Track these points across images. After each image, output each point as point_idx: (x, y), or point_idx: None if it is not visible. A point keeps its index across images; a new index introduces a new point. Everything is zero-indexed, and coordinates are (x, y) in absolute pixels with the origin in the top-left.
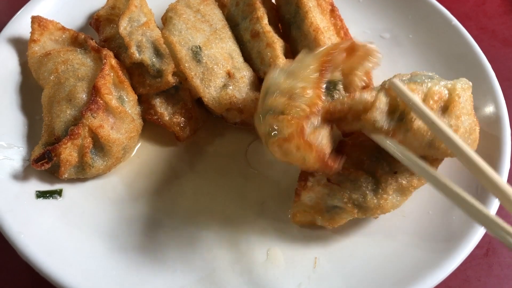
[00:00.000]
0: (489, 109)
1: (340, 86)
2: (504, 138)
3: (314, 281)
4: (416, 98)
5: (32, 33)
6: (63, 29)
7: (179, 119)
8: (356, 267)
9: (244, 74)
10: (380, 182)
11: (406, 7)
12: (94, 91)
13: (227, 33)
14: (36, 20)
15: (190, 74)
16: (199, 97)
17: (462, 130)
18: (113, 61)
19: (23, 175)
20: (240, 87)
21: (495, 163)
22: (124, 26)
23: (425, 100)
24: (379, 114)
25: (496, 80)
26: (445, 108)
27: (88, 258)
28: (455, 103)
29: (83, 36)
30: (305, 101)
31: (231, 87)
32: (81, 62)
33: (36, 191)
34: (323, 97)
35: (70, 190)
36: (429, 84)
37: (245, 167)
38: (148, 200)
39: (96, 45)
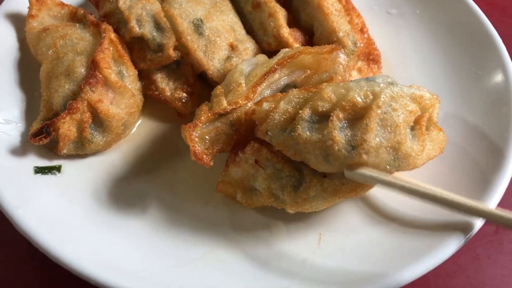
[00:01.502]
0: (499, 82)
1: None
2: None
3: (319, 256)
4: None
5: (30, 8)
6: (61, 4)
7: (181, 95)
8: (361, 244)
9: (247, 46)
10: (305, 181)
11: None
12: (92, 65)
13: (227, 6)
14: None
15: (193, 47)
16: (201, 72)
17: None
18: (112, 35)
19: (21, 150)
20: (244, 59)
21: (505, 136)
22: (123, 0)
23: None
24: (273, 124)
25: (506, 51)
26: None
27: (88, 234)
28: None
29: (82, 11)
30: (232, 97)
31: (235, 59)
32: (80, 36)
33: (35, 167)
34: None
35: (69, 166)
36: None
37: None
38: (149, 176)
39: (95, 19)
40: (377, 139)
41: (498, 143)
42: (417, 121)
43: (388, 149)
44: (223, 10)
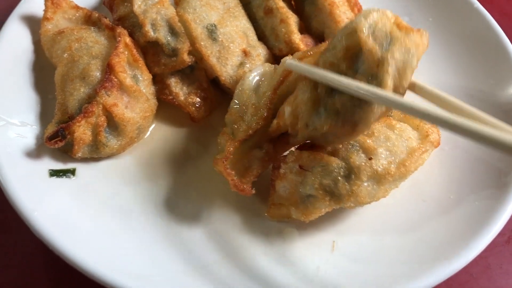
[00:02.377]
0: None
1: None
2: None
3: (332, 264)
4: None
5: (45, 11)
6: (76, 7)
7: (194, 99)
8: (375, 252)
9: (260, 51)
10: (353, 168)
11: None
12: (108, 69)
13: (240, 11)
14: None
15: (206, 53)
16: (214, 78)
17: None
18: (127, 39)
19: (36, 153)
20: (257, 65)
21: None
22: (138, 4)
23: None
24: (306, 117)
25: None
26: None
27: (101, 237)
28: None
29: (96, 14)
30: (247, 123)
31: (248, 65)
32: (95, 40)
33: (50, 170)
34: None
35: (83, 170)
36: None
37: None
38: (162, 181)
39: (110, 23)
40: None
41: None
42: None
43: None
44: (236, 15)
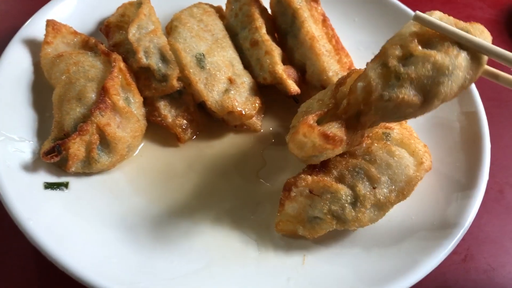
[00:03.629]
0: (472, 129)
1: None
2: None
3: (302, 276)
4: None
5: (46, 35)
6: (75, 33)
7: (182, 122)
8: (341, 265)
9: (244, 80)
10: (359, 196)
11: (399, 27)
12: (103, 92)
13: (227, 42)
14: (51, 24)
15: (195, 79)
16: (200, 102)
17: None
18: (122, 65)
19: (33, 167)
20: (241, 92)
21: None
22: (133, 33)
23: None
24: (380, 87)
25: (479, 100)
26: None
27: (92, 245)
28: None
29: (93, 40)
30: (318, 107)
31: (232, 92)
32: (91, 64)
33: (44, 182)
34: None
35: (76, 183)
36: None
37: (243, 169)
38: (149, 195)
39: (106, 49)
40: None
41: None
42: None
43: None
44: (223, 46)
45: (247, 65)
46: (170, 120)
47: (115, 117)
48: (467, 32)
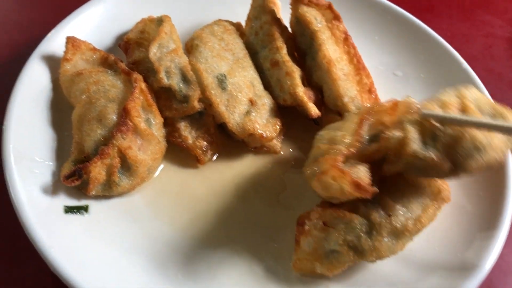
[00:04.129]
0: None
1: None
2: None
3: None
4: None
5: (65, 52)
6: (94, 49)
7: (202, 143)
8: None
9: (265, 101)
10: (374, 225)
11: (419, 47)
12: (124, 113)
13: (248, 62)
14: (71, 41)
15: (216, 101)
16: (221, 122)
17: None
18: (143, 85)
19: (53, 189)
20: (262, 114)
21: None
22: (154, 52)
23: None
24: (417, 144)
25: None
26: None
27: (112, 272)
28: (468, 108)
29: (113, 58)
30: (344, 144)
31: (253, 114)
32: (111, 84)
33: (64, 206)
34: (362, 144)
35: (95, 206)
36: (440, 97)
37: (263, 193)
38: (168, 219)
39: (126, 68)
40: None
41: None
42: None
43: None
44: (244, 66)
45: (267, 85)
46: (190, 141)
47: (136, 140)
48: (502, 116)
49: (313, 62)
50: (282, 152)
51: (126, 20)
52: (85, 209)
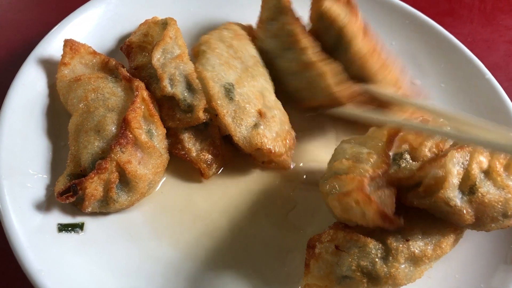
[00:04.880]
0: None
1: (407, 156)
2: None
3: None
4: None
5: (63, 56)
6: (94, 53)
7: (206, 156)
8: None
9: (275, 113)
10: (391, 250)
11: (439, 54)
12: (124, 124)
13: (258, 70)
14: (69, 44)
15: (222, 112)
16: (227, 134)
17: None
18: (145, 94)
19: (46, 205)
20: (271, 127)
21: None
22: (157, 58)
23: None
24: (453, 191)
25: None
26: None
27: None
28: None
29: (114, 62)
30: (370, 164)
31: (262, 127)
32: (111, 91)
33: (58, 224)
34: (389, 166)
35: (91, 224)
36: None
37: (271, 210)
38: (169, 239)
39: (128, 74)
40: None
41: None
42: None
43: None
44: (254, 75)
45: (295, 89)
46: (194, 154)
47: (136, 153)
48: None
49: (345, 58)
50: (292, 167)
51: (129, 21)
52: (80, 226)
